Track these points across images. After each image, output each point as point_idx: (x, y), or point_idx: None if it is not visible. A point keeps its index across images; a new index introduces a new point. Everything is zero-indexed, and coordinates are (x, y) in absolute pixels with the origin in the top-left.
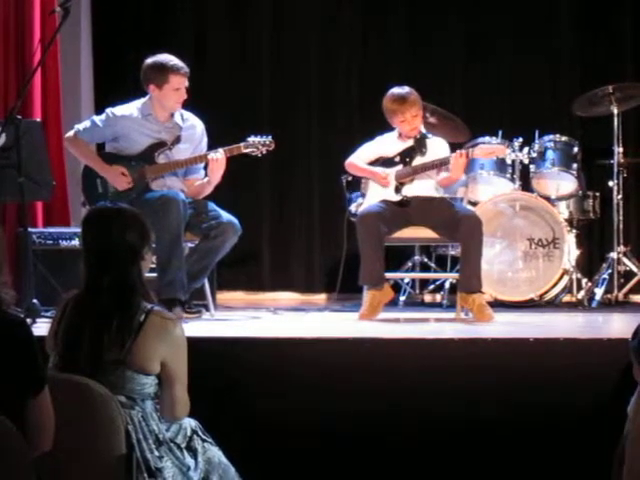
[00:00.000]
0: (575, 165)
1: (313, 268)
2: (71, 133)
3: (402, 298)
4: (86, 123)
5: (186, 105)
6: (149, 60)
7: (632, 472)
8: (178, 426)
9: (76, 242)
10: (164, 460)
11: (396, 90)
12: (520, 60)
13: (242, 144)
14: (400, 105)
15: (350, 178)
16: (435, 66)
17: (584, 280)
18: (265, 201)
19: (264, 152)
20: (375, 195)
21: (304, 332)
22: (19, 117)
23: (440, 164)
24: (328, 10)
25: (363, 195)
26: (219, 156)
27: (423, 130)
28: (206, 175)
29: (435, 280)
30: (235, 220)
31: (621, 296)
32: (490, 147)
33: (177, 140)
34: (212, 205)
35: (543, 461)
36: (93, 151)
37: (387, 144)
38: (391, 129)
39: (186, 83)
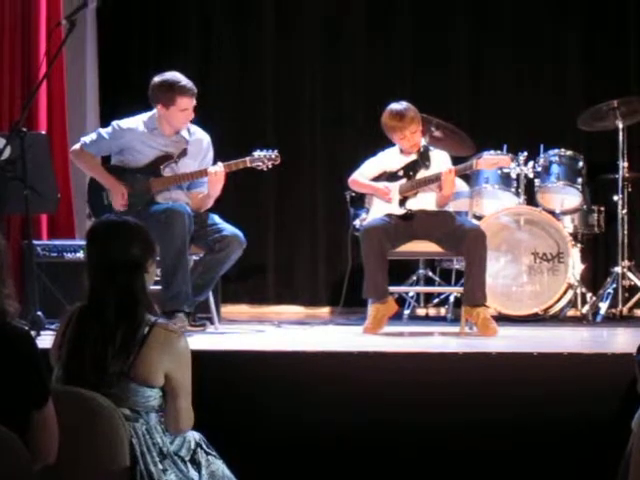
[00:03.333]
0: (580, 179)
1: (317, 282)
2: (77, 146)
3: (406, 312)
4: (92, 136)
5: (191, 120)
6: (157, 79)
7: None
8: (182, 439)
9: (81, 254)
10: (168, 473)
11: (394, 107)
12: (525, 74)
13: (248, 158)
14: (398, 122)
15: (354, 193)
16: (440, 80)
17: (589, 294)
18: (270, 214)
19: (270, 166)
20: (379, 209)
21: (308, 345)
22: (24, 130)
23: (436, 179)
24: (332, 24)
25: (367, 210)
26: (218, 169)
27: (424, 143)
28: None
29: (439, 294)
30: (240, 233)
31: (626, 311)
32: (494, 158)
33: (183, 153)
34: (217, 218)
35: (547, 476)
36: (99, 164)
37: (390, 159)
38: (393, 144)
39: (194, 103)
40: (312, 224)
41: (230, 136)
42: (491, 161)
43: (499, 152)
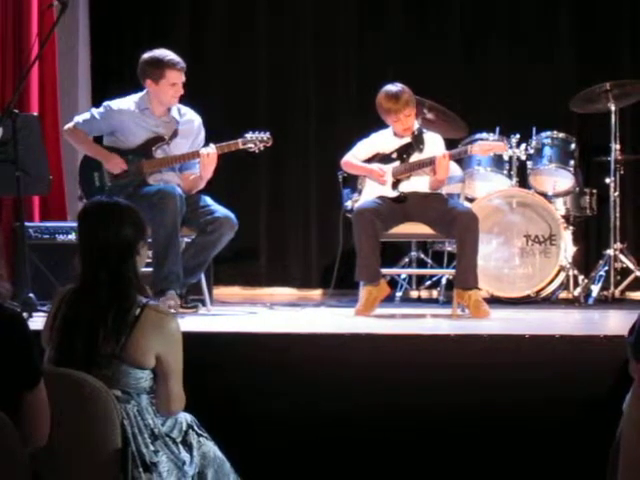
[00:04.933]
0: (572, 162)
1: (309, 264)
2: (70, 124)
3: (398, 294)
4: (85, 115)
5: (183, 102)
6: (146, 55)
7: (627, 468)
8: (174, 420)
9: (73, 236)
10: (159, 454)
11: (389, 89)
12: (517, 57)
13: (240, 140)
14: (393, 104)
15: (346, 174)
16: (433, 62)
17: (581, 277)
18: (262, 196)
19: (262, 148)
20: (371, 191)
21: (300, 327)
22: (16, 111)
23: (429, 162)
24: (325, 7)
25: (359, 191)
26: (210, 151)
27: (418, 126)
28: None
29: (431, 276)
30: (232, 215)
31: (617, 293)
32: (489, 144)
33: (174, 134)
34: (209, 200)
35: (539, 457)
36: (92, 140)
37: (383, 141)
38: (387, 125)
39: (183, 78)
40: (304, 206)
41: (222, 118)
42: (486, 147)
43: (492, 134)
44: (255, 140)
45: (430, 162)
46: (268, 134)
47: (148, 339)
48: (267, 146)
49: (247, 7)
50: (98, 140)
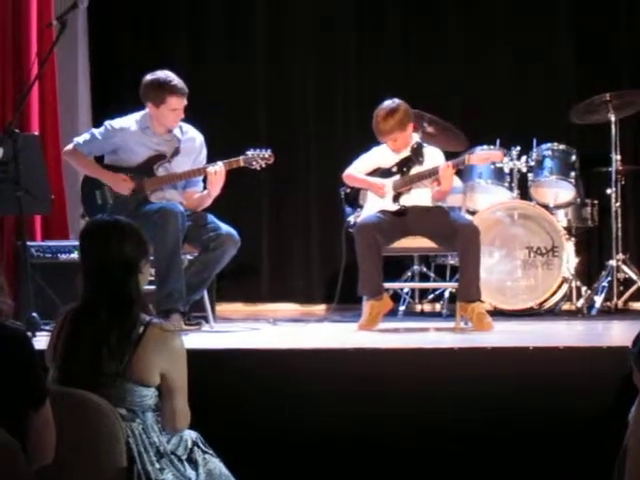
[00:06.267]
0: (573, 173)
1: (312, 279)
2: (70, 146)
3: (401, 308)
4: (85, 136)
5: (184, 119)
6: (148, 77)
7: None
8: (179, 438)
9: (75, 255)
10: (165, 472)
11: (382, 110)
12: (517, 69)
13: (241, 157)
14: (387, 127)
15: (348, 190)
16: (433, 76)
17: (583, 288)
18: (264, 212)
19: (263, 165)
20: (373, 206)
21: (304, 343)
22: (17, 131)
23: (429, 174)
24: (324, 22)
25: (361, 207)
26: (218, 169)
27: (417, 139)
28: (205, 188)
29: (434, 290)
30: (234, 232)
31: (621, 304)
32: (486, 153)
33: (176, 152)
34: (211, 217)
35: (543, 470)
36: (93, 161)
37: (384, 155)
38: None
39: (184, 103)
40: (306, 222)
41: (223, 135)
42: (483, 156)
43: (492, 147)
44: (256, 157)
45: (431, 173)
46: (270, 151)
47: (152, 357)
48: (269, 164)
49: (246, 23)
50: (99, 159)
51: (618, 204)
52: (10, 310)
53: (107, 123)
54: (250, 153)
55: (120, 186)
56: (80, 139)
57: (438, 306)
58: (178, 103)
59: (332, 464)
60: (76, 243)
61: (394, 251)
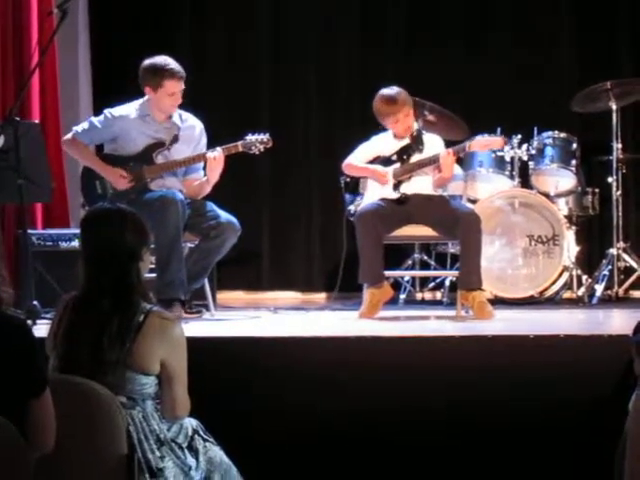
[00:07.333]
0: (574, 161)
1: (313, 267)
2: (69, 136)
3: (402, 296)
4: (84, 125)
5: (184, 105)
6: (146, 62)
7: (633, 469)
8: (179, 426)
9: (76, 243)
10: (165, 460)
11: (385, 92)
12: (518, 57)
13: (240, 142)
14: (391, 107)
15: (349, 179)
16: (434, 64)
17: (584, 277)
18: (264, 200)
19: (262, 149)
20: (373, 194)
21: (304, 331)
22: (17, 119)
23: (430, 162)
24: (326, 9)
25: (362, 196)
26: (217, 155)
27: (417, 127)
28: (205, 175)
29: (435, 278)
30: (234, 220)
31: (621, 292)
32: (487, 139)
33: (175, 140)
34: (211, 205)
35: (544, 458)
36: (92, 152)
37: (384, 143)
38: (387, 129)
39: (182, 87)
40: (307, 210)
41: (224, 124)
42: (484, 142)
43: (493, 135)
44: (255, 142)
45: (431, 161)
46: (268, 135)
47: (152, 345)
48: (267, 147)
49: (249, 11)
50: (98, 147)
51: (619, 192)
52: (11, 298)
53: (106, 111)
54: (248, 137)
55: (118, 182)
56: (79, 128)
57: (439, 294)
58: (175, 87)
59: (333, 452)
60: (77, 231)
61: (395, 239)
